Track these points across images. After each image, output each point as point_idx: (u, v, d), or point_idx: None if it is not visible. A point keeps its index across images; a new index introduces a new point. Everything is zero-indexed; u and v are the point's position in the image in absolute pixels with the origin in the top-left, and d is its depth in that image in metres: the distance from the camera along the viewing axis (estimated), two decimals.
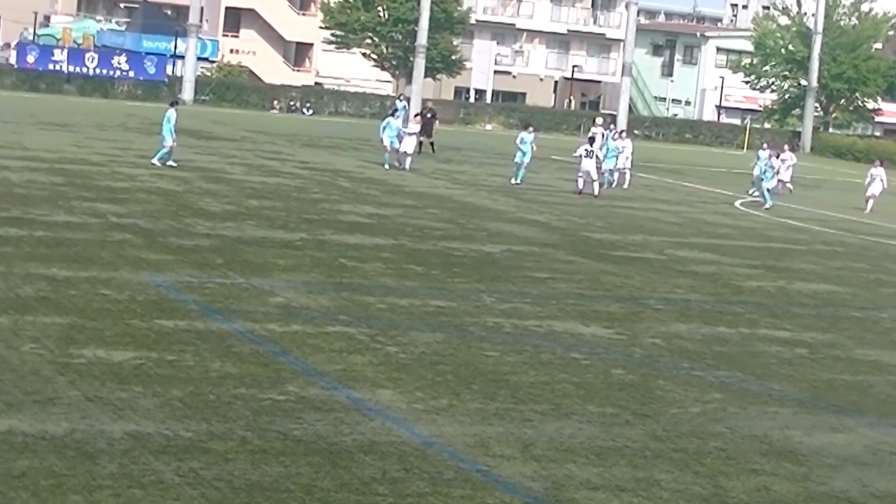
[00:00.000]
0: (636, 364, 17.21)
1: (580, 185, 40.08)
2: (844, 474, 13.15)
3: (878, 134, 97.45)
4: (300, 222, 27.75)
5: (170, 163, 36.79)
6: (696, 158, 62.01)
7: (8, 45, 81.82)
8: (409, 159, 43.18)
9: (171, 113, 37.64)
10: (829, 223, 39.85)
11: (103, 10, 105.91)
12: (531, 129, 43.92)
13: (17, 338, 15.34)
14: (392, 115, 46.92)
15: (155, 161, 36.91)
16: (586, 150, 40.28)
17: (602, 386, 15.76)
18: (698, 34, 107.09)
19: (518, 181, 41.59)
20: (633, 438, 13.59)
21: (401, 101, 58.87)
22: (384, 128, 44.47)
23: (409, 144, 43.52)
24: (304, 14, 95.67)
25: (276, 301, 19.02)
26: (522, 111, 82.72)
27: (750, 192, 45.79)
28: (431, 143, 51.09)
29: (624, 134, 48.07)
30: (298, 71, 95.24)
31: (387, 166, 43.21)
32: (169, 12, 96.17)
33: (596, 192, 39.74)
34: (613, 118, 56.45)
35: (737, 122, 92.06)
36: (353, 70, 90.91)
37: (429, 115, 52.67)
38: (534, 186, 42.31)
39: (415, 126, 44.73)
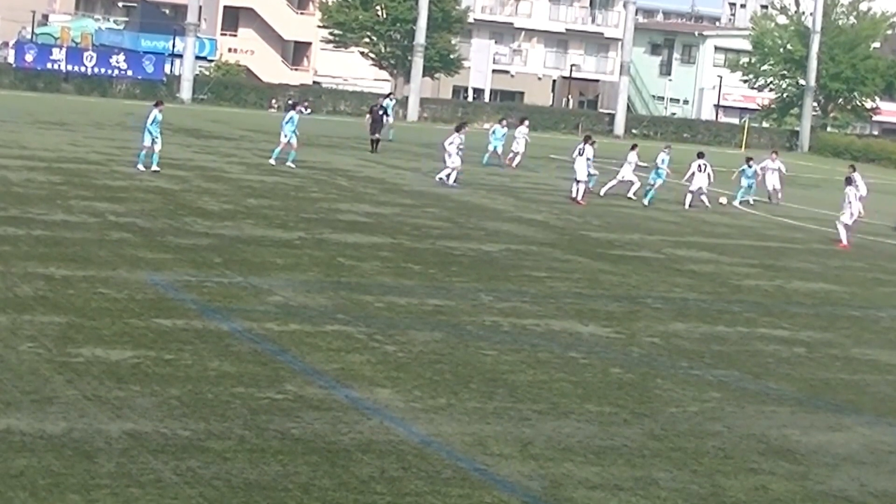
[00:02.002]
0: (634, 363, 17.22)
1: (573, 191, 37.99)
2: (842, 473, 13.16)
3: (875, 133, 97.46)
4: (298, 221, 27.75)
5: (139, 166, 34.93)
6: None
7: (6, 44, 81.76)
8: (454, 173, 39.10)
9: (156, 113, 35.56)
10: (827, 222, 39.80)
11: (101, 9, 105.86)
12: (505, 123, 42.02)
13: (15, 337, 15.35)
14: (293, 107, 43.45)
15: (140, 166, 35.03)
16: (578, 149, 38.40)
17: (600, 385, 15.77)
18: (696, 33, 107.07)
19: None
20: (631, 437, 13.60)
21: (391, 99, 58.08)
22: (287, 122, 40.86)
23: (456, 160, 39.12)
24: (302, 13, 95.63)
25: (275, 300, 19.02)
26: (520, 110, 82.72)
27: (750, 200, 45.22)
28: (378, 141, 48.89)
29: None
30: (297, 70, 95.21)
31: (273, 161, 39.82)
32: (167, 11, 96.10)
33: (578, 195, 37.51)
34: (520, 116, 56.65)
35: (735, 121, 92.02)
36: (352, 69, 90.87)
37: (380, 112, 51.11)
38: (532, 185, 42.31)
39: (457, 137, 39.66)
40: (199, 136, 49.95)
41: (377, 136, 48.97)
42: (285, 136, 40.75)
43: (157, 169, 34.87)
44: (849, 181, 36.08)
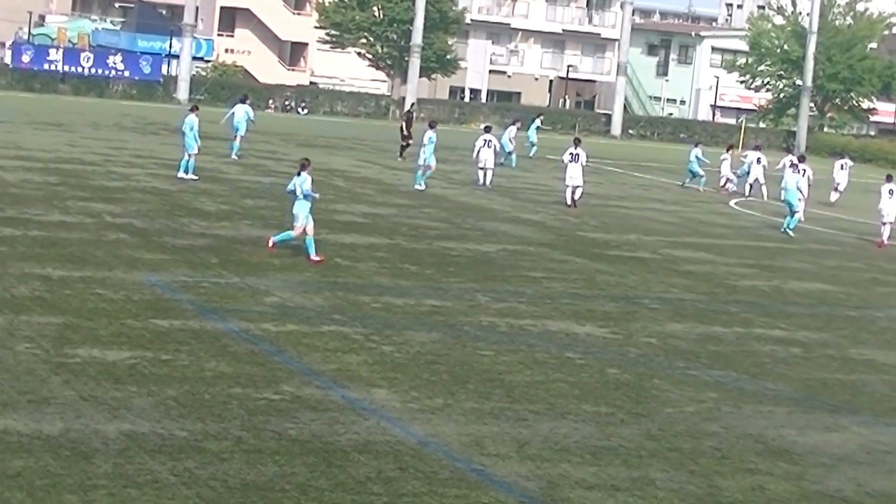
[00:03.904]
0: (631, 363, 17.23)
1: (569, 198, 36.49)
2: (839, 473, 13.17)
3: (872, 133, 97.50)
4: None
5: (190, 175, 34.08)
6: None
7: (3, 45, 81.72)
8: (489, 173, 39.98)
9: (193, 119, 34.86)
10: (823, 222, 39.86)
11: (98, 10, 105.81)
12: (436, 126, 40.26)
13: (12, 337, 15.34)
14: (243, 101, 43.84)
15: (186, 175, 34.09)
16: (571, 153, 37.05)
17: (597, 385, 15.78)
18: (693, 34, 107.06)
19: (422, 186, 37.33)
20: (628, 438, 13.61)
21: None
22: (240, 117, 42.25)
23: (489, 157, 39.99)
24: (299, 13, 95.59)
25: (272, 300, 19.03)
26: (517, 110, 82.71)
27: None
28: (406, 147, 47.08)
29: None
30: (293, 70, 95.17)
31: (237, 156, 40.99)
32: (164, 12, 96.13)
33: (576, 198, 36.35)
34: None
35: (732, 121, 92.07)
36: (348, 70, 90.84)
37: (414, 116, 50.05)
38: (529, 186, 42.32)
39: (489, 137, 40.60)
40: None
41: (409, 143, 47.16)
42: (236, 129, 42.19)
43: (195, 177, 34.25)
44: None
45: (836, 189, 47.04)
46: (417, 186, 37.17)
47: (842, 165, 47.95)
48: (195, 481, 11.07)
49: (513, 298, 21.05)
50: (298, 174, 23.06)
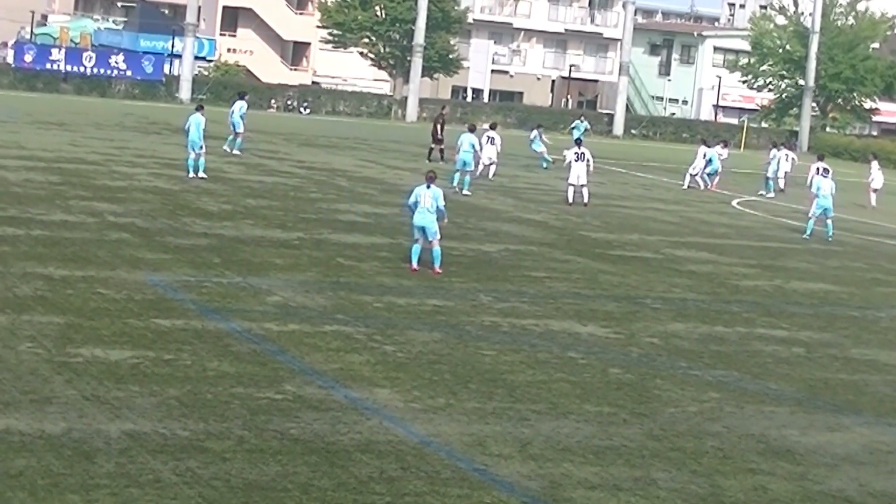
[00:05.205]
0: (633, 363, 17.22)
1: (571, 197, 36.81)
2: (841, 473, 13.17)
3: (874, 133, 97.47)
4: (297, 221, 27.76)
5: (191, 174, 34.11)
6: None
7: (5, 45, 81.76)
8: (492, 168, 42.35)
9: (200, 118, 34.70)
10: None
11: (100, 10, 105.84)
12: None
13: (15, 337, 15.35)
14: (242, 97, 44.57)
15: (204, 174, 34.14)
16: (576, 153, 37.11)
17: (599, 385, 15.78)
18: (695, 34, 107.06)
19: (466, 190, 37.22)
20: (630, 438, 13.61)
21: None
22: (240, 114, 43.03)
23: (492, 153, 42.18)
24: (301, 13, 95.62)
25: (274, 300, 19.03)
26: (520, 110, 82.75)
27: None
28: (441, 150, 46.61)
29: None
30: (295, 70, 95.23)
31: (236, 151, 41.13)
32: (166, 11, 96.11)
33: (585, 200, 36.64)
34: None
35: (734, 121, 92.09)
36: (351, 69, 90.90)
37: (445, 119, 49.46)
38: (531, 186, 42.32)
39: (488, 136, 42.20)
40: None
41: (442, 146, 46.54)
42: (234, 125, 43.19)
43: (205, 176, 34.27)
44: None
45: (873, 191, 47.87)
46: (466, 192, 36.76)
47: (876, 166, 48.90)
48: (197, 481, 11.08)
49: (515, 298, 21.05)
50: (428, 187, 22.24)
